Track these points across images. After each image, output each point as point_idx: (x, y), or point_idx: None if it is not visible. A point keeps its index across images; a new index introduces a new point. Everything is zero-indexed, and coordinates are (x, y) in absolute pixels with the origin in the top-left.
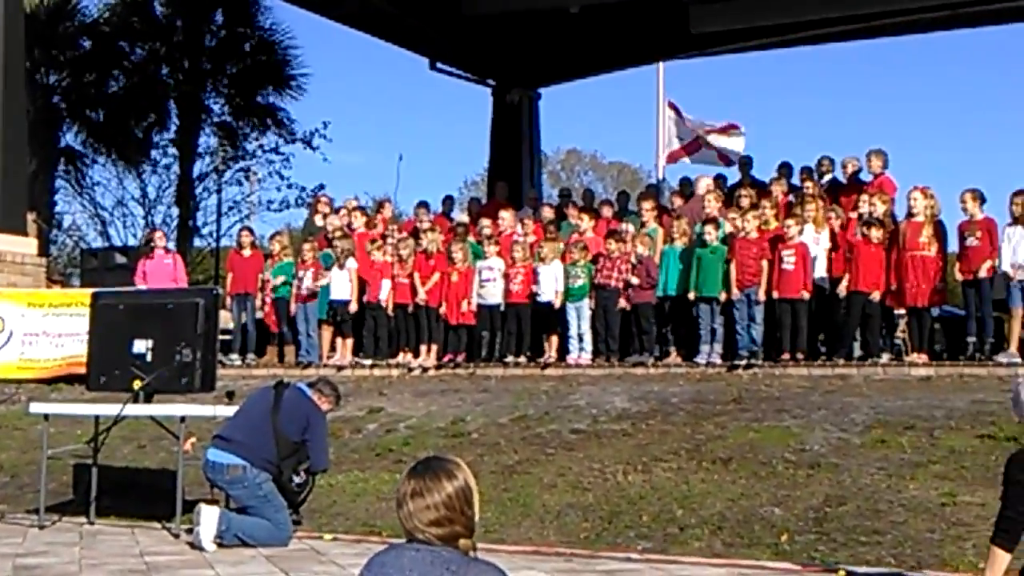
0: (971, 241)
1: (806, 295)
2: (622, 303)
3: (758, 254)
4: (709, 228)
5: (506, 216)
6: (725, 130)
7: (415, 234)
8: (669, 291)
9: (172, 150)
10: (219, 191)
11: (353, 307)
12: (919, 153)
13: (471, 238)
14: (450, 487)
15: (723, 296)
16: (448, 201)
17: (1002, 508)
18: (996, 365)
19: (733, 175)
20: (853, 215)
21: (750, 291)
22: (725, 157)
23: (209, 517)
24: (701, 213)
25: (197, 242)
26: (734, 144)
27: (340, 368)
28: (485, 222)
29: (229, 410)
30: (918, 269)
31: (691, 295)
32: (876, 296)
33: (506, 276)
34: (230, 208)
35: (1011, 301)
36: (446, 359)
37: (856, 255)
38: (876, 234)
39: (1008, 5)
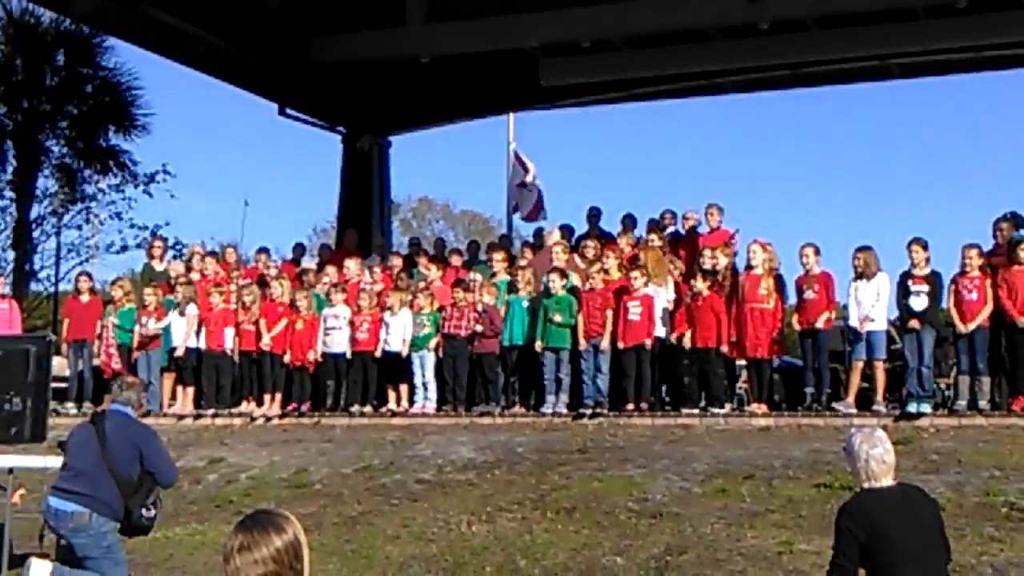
0: (808, 294)
1: (648, 343)
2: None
3: (603, 304)
4: (554, 278)
5: (351, 264)
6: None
7: (261, 280)
8: (515, 341)
9: (9, 192)
10: (58, 234)
11: (180, 351)
12: (757, 207)
13: (318, 289)
14: (279, 541)
15: (567, 347)
16: (299, 248)
17: (833, 556)
18: (833, 415)
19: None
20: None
21: (595, 341)
22: (536, 210)
23: (40, 572)
24: (550, 264)
25: (34, 286)
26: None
27: (181, 417)
28: (330, 270)
29: (60, 461)
30: (757, 321)
31: (537, 345)
32: (723, 348)
33: (352, 324)
34: (69, 251)
35: (853, 353)
36: (290, 408)
37: (694, 308)
38: (703, 285)
39: (848, 66)
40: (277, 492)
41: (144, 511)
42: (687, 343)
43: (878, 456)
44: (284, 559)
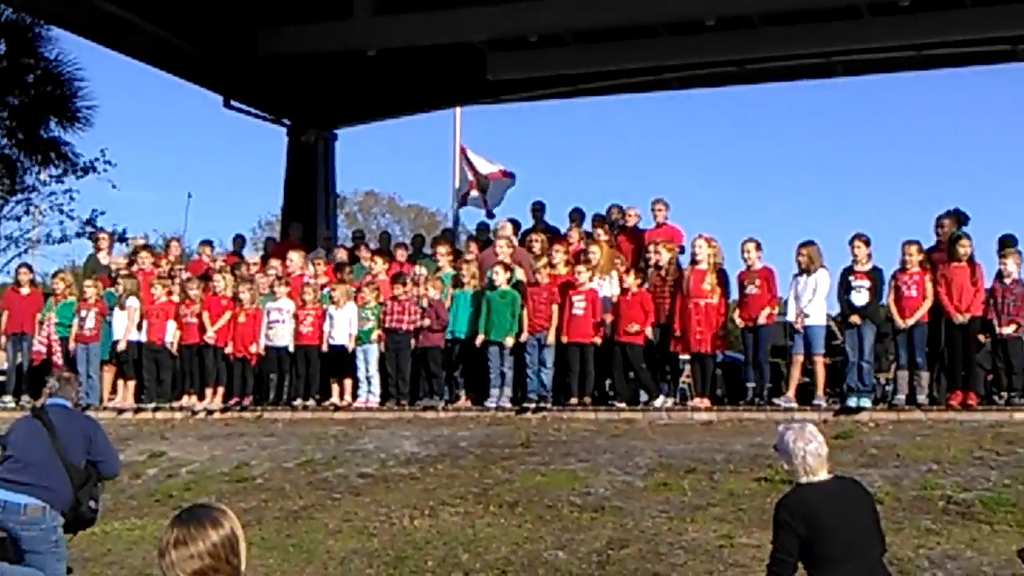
0: (751, 289)
1: (597, 340)
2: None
3: (548, 299)
4: (498, 271)
5: (294, 257)
6: (497, 175)
7: (205, 273)
8: (459, 335)
9: None
10: None
11: (122, 345)
12: (702, 202)
13: (260, 282)
14: (215, 535)
15: (510, 341)
16: (239, 240)
17: (773, 551)
18: (774, 409)
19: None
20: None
21: (540, 335)
22: (487, 204)
23: None
24: (495, 258)
25: None
26: (499, 188)
27: (121, 411)
28: (275, 263)
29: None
30: (701, 315)
31: (479, 339)
32: (649, 333)
33: (295, 318)
34: (8, 243)
35: (793, 348)
36: (232, 402)
37: (623, 303)
38: (632, 281)
39: (793, 63)
40: (218, 486)
41: (91, 503)
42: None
43: (813, 451)
44: (220, 553)
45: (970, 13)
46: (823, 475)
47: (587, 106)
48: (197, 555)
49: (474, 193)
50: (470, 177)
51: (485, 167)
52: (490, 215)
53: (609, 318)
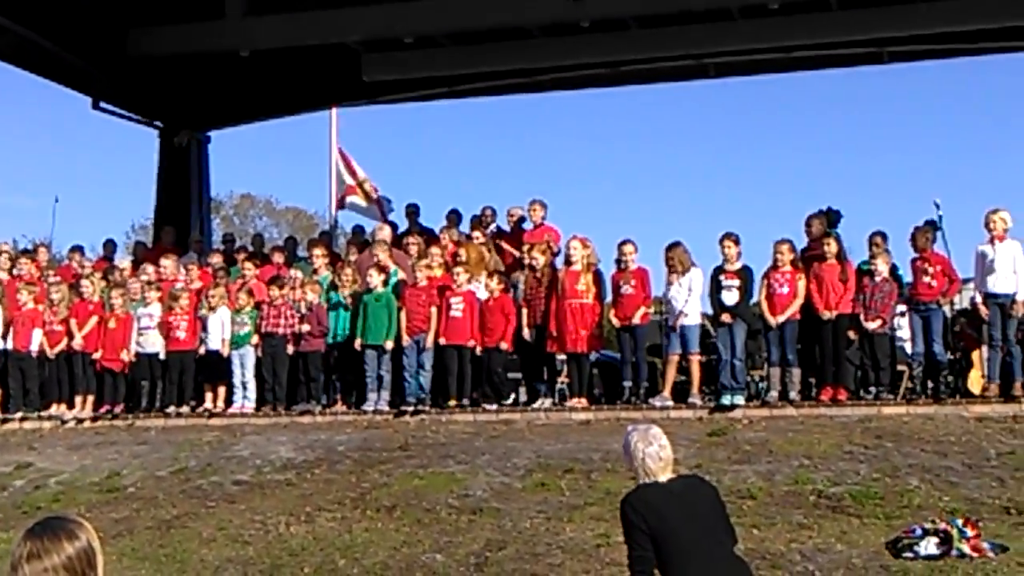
0: (626, 289)
1: (472, 343)
2: (290, 350)
3: (426, 301)
4: (374, 274)
5: (167, 263)
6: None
7: (75, 279)
8: (336, 338)
9: None
10: None
11: None
12: (578, 204)
13: (131, 287)
14: (71, 548)
15: (388, 345)
16: (110, 245)
17: (630, 549)
18: (650, 408)
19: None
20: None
21: (418, 338)
22: (381, 206)
23: None
24: (372, 260)
25: None
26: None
27: None
28: (147, 268)
29: None
30: (576, 316)
31: (357, 343)
32: (504, 345)
33: (168, 323)
34: None
35: (668, 347)
36: (103, 410)
37: (485, 308)
38: (496, 285)
39: (666, 65)
40: (88, 497)
41: None
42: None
43: (653, 454)
44: (77, 567)
45: (837, 17)
46: (664, 477)
47: (464, 107)
48: (51, 569)
49: (356, 199)
50: (348, 181)
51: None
52: (385, 220)
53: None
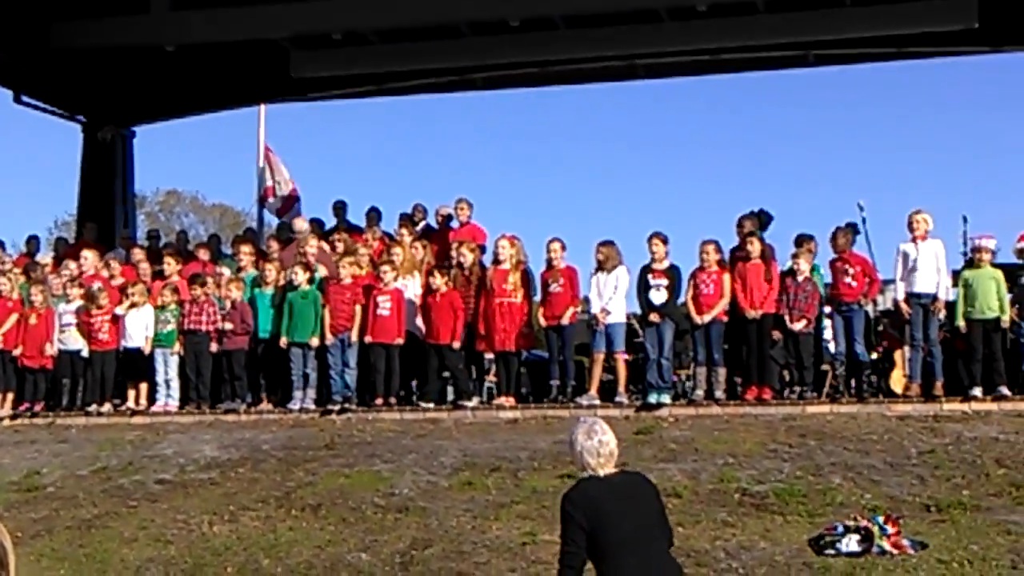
0: (554, 288)
1: (400, 341)
2: (213, 348)
3: (352, 299)
4: (299, 271)
5: (88, 257)
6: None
7: None
8: (261, 336)
9: None
10: None
11: None
12: (507, 202)
13: (52, 284)
14: None
15: (315, 342)
16: (33, 241)
17: (562, 544)
18: (577, 407)
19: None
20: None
21: (343, 336)
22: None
23: None
24: (295, 257)
25: None
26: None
27: None
28: (70, 264)
29: None
30: (505, 315)
31: (283, 341)
32: (456, 345)
33: (88, 320)
34: None
35: (594, 345)
36: (22, 408)
37: (432, 304)
38: (441, 281)
39: (596, 66)
40: (6, 496)
41: None
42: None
43: (592, 448)
44: None
45: (764, 19)
46: (606, 471)
47: (394, 105)
48: None
49: (271, 199)
50: (268, 182)
51: (285, 181)
52: (282, 215)
53: None
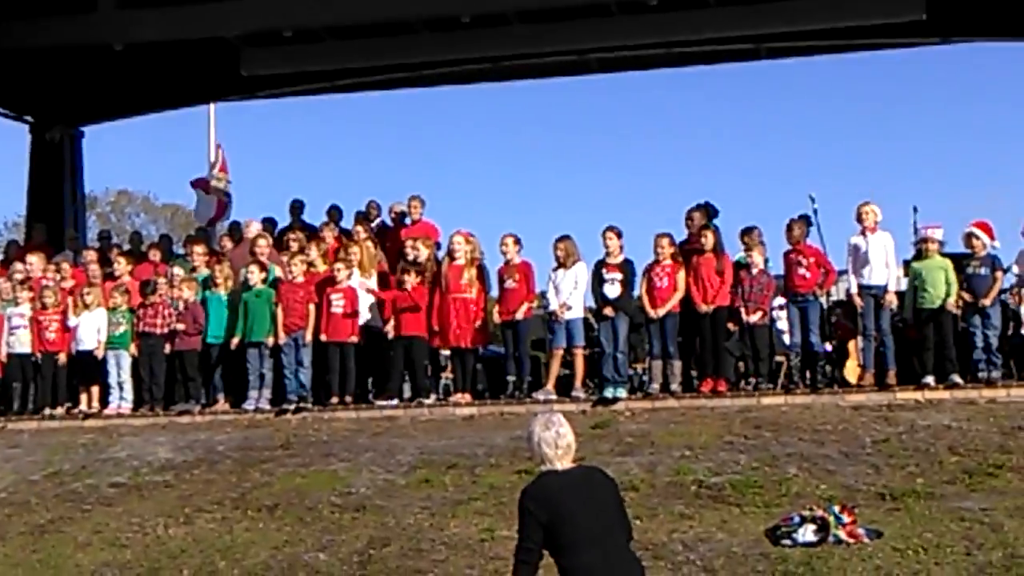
0: (509, 283)
1: (354, 339)
2: (167, 349)
3: (305, 298)
4: (253, 270)
5: (34, 260)
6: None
7: None
8: (215, 337)
9: None
10: None
11: None
12: (461, 198)
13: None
14: None
15: (271, 341)
16: None
17: (520, 540)
18: (534, 402)
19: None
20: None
21: (297, 335)
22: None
23: None
24: (246, 256)
25: None
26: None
27: None
28: (19, 267)
29: None
30: (460, 311)
31: (235, 341)
32: (423, 338)
33: (38, 323)
34: None
35: (553, 341)
36: None
37: (400, 301)
38: (412, 279)
39: (549, 60)
40: None
41: None
42: (390, 332)
43: (549, 440)
44: None
45: (715, 12)
46: (564, 464)
47: (346, 102)
48: None
49: (201, 192)
50: (208, 173)
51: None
52: (211, 224)
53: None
